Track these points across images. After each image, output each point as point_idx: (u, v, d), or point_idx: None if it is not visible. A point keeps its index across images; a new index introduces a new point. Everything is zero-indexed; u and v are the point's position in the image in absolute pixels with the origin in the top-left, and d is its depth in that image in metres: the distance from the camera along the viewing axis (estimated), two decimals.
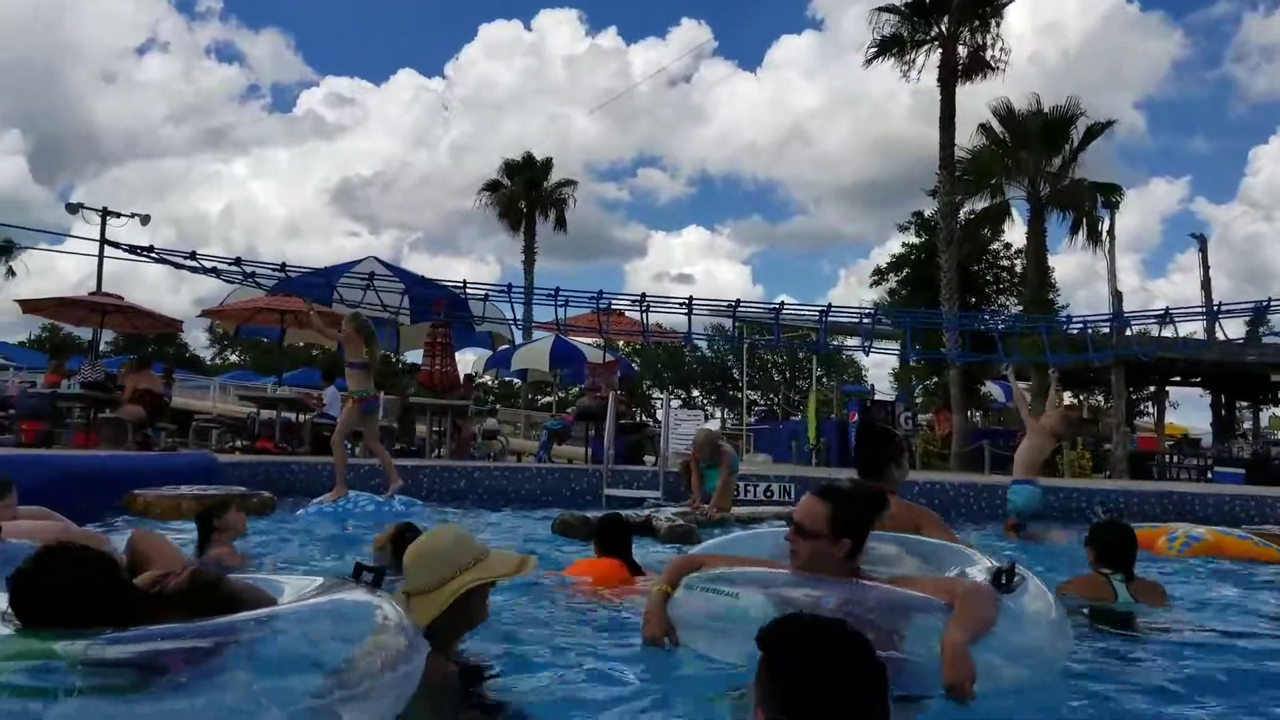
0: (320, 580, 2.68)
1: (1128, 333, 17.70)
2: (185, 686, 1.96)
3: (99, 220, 28.47)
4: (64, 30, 78.63)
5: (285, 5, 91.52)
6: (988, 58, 25.00)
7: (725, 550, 3.80)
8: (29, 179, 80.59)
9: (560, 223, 40.21)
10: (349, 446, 10.68)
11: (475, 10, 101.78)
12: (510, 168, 40.27)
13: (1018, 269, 32.40)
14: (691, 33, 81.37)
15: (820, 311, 12.13)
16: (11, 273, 49.68)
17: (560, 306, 11.18)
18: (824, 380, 39.57)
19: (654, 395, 50.50)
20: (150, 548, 3.77)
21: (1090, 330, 15.11)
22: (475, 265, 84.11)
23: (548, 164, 40.52)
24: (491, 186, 40.19)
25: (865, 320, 13.64)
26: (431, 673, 2.54)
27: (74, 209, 29.15)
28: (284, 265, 10.70)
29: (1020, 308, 29.16)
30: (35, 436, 13.97)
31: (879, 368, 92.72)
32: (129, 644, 2.00)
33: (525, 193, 39.62)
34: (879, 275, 35.98)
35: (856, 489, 3.42)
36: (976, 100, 29.72)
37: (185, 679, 1.97)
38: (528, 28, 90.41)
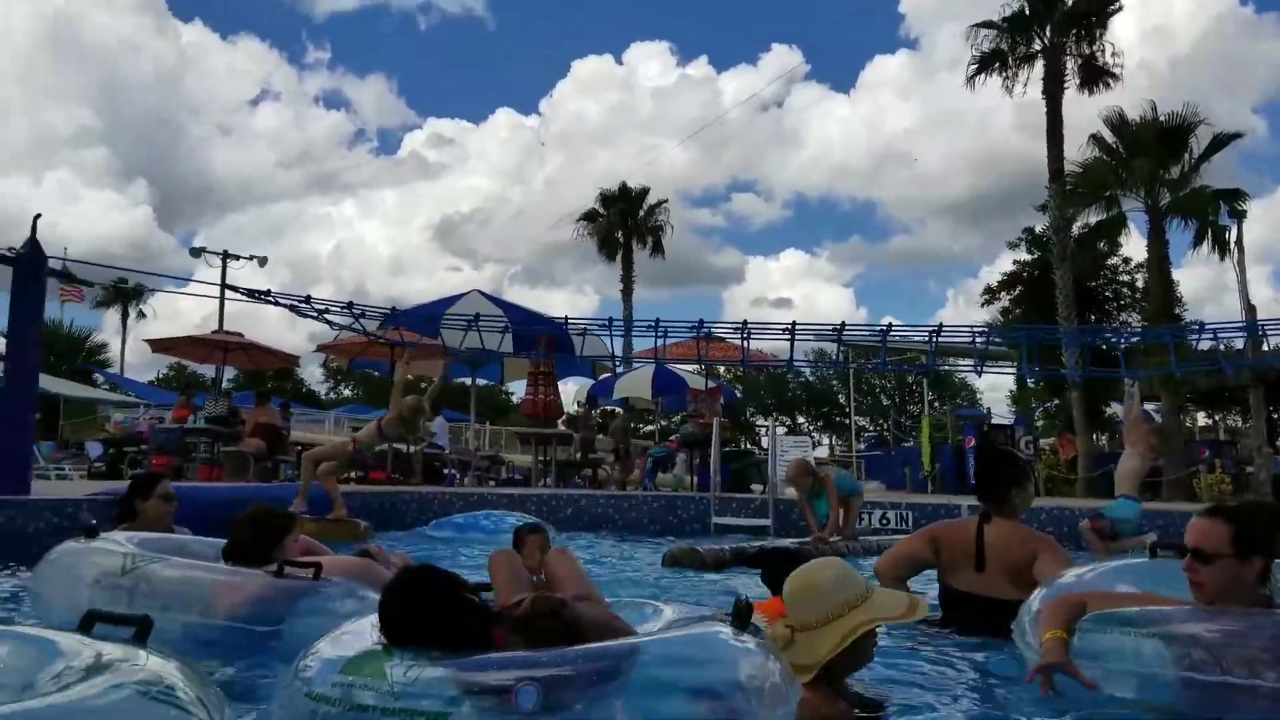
0: (684, 611, 2.66)
1: (1265, 347, 16.70)
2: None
3: (220, 263, 29.81)
4: (185, 87, 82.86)
5: (389, 51, 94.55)
6: (1103, 65, 24.33)
7: (1087, 587, 3.54)
8: (155, 227, 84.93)
9: (658, 248, 40.42)
10: None
11: (568, 48, 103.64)
12: (606, 198, 40.68)
13: (1139, 284, 31.22)
14: (783, 58, 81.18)
15: (930, 332, 11.73)
16: (141, 315, 52.46)
17: (660, 338, 11.10)
18: (936, 405, 38.68)
19: (758, 423, 50.06)
20: (564, 571, 3.74)
21: (1222, 343, 14.30)
22: (573, 296, 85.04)
23: (644, 193, 40.81)
24: (589, 217, 40.65)
25: (978, 340, 13.20)
26: (822, 712, 2.48)
27: (197, 253, 30.66)
28: (394, 309, 10.95)
29: (1144, 324, 28.04)
30: (164, 470, 14.56)
31: (994, 391, 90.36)
32: (452, 670, 2.07)
33: (622, 222, 39.95)
34: (990, 294, 35.14)
35: (1251, 505, 3.20)
36: (1084, 112, 28.85)
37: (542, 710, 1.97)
38: (619, 62, 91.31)
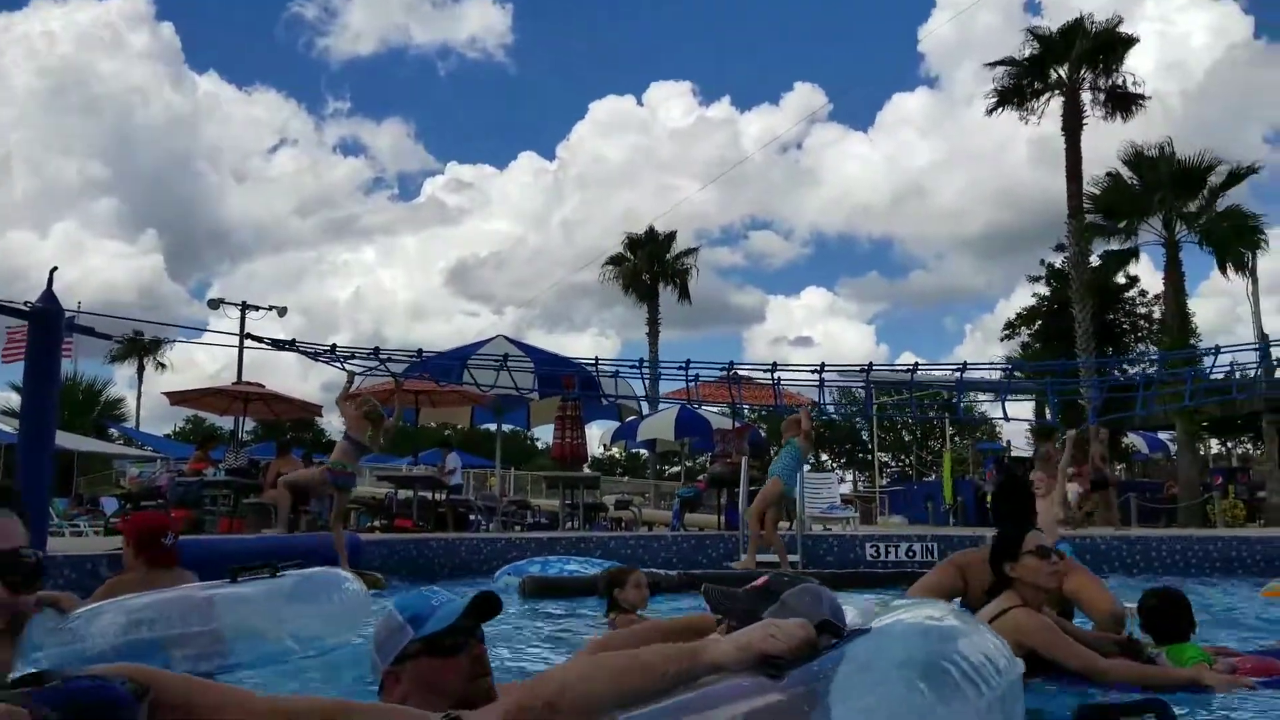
0: None
1: (1279, 374, 16.88)
2: None
3: (238, 314, 29.93)
4: (199, 137, 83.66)
5: (407, 97, 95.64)
6: (1129, 90, 24.62)
7: None
8: (165, 277, 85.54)
9: (684, 294, 40.59)
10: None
11: (590, 90, 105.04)
12: (633, 242, 40.93)
13: (1155, 315, 31.26)
14: (805, 97, 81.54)
15: (957, 370, 11.73)
16: (161, 366, 52.63)
17: (690, 382, 11.13)
18: (956, 440, 38.56)
19: None
20: None
21: (1237, 371, 14.40)
22: (595, 339, 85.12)
23: (670, 237, 41.10)
24: (615, 260, 40.87)
25: (1003, 378, 13.15)
26: None
27: (215, 305, 30.72)
28: (420, 351, 10.97)
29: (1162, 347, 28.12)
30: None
31: (1012, 424, 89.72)
32: None
33: (648, 266, 40.13)
34: (1010, 329, 35.19)
35: None
36: (1101, 144, 28.93)
37: None
38: (639, 103, 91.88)
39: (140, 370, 52.33)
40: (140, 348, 50.70)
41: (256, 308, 30.47)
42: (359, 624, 4.99)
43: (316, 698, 1.81)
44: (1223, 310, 72.21)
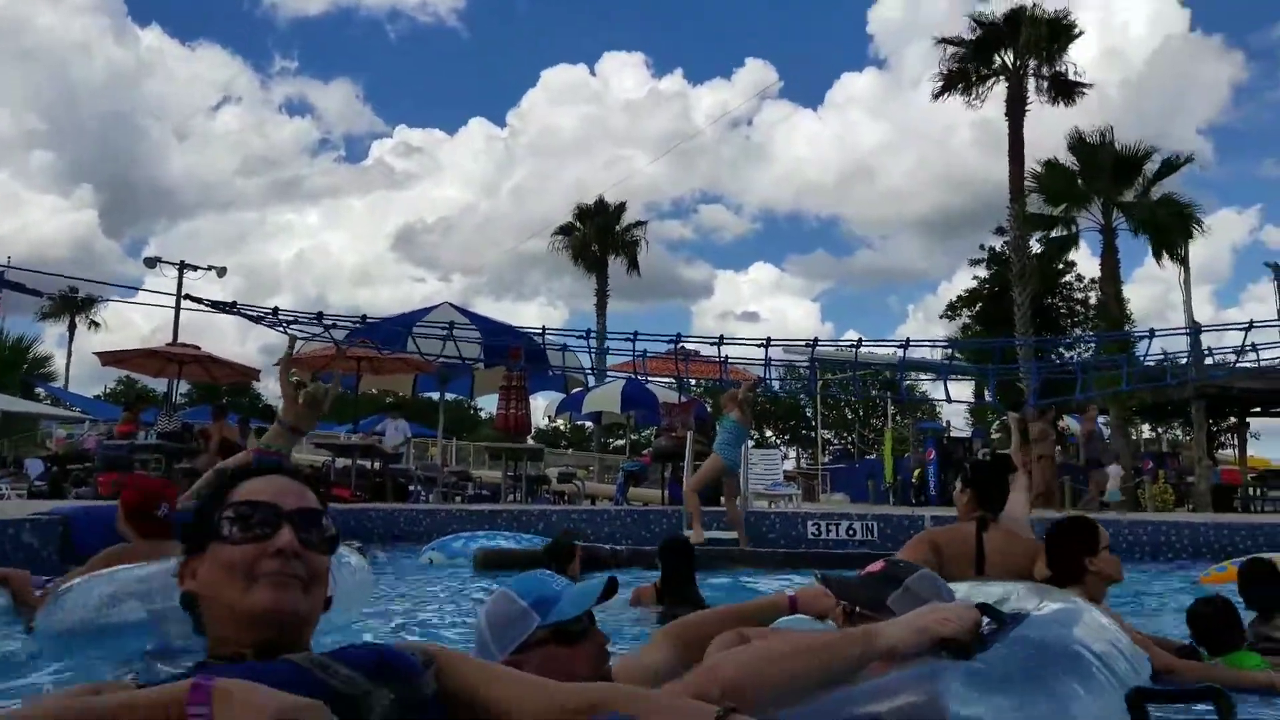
0: None
1: (1207, 362, 17.42)
2: None
3: (175, 274, 29.18)
4: (140, 93, 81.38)
5: (356, 59, 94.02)
6: (1073, 79, 24.90)
7: None
8: (99, 233, 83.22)
9: (633, 265, 40.44)
10: None
11: (542, 58, 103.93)
12: (582, 212, 40.61)
13: (1092, 300, 31.85)
14: (756, 73, 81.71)
15: (900, 346, 11.76)
16: (95, 325, 51.15)
17: (639, 356, 11.02)
18: (898, 418, 39.11)
19: None
20: None
21: (1169, 360, 14.74)
22: (543, 309, 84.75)
23: (621, 208, 40.85)
24: (564, 230, 40.54)
25: (944, 359, 13.24)
26: None
27: (152, 263, 29.91)
28: (365, 317, 10.75)
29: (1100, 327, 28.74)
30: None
31: (952, 403, 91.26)
32: None
33: (598, 236, 39.88)
34: (952, 310, 35.63)
35: None
36: (1045, 129, 29.25)
37: None
38: (592, 72, 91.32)
39: (72, 328, 50.86)
40: (73, 305, 49.29)
41: (195, 267, 29.83)
42: (359, 599, 5.01)
43: (593, 683, 1.75)
44: (1156, 297, 74.00)
